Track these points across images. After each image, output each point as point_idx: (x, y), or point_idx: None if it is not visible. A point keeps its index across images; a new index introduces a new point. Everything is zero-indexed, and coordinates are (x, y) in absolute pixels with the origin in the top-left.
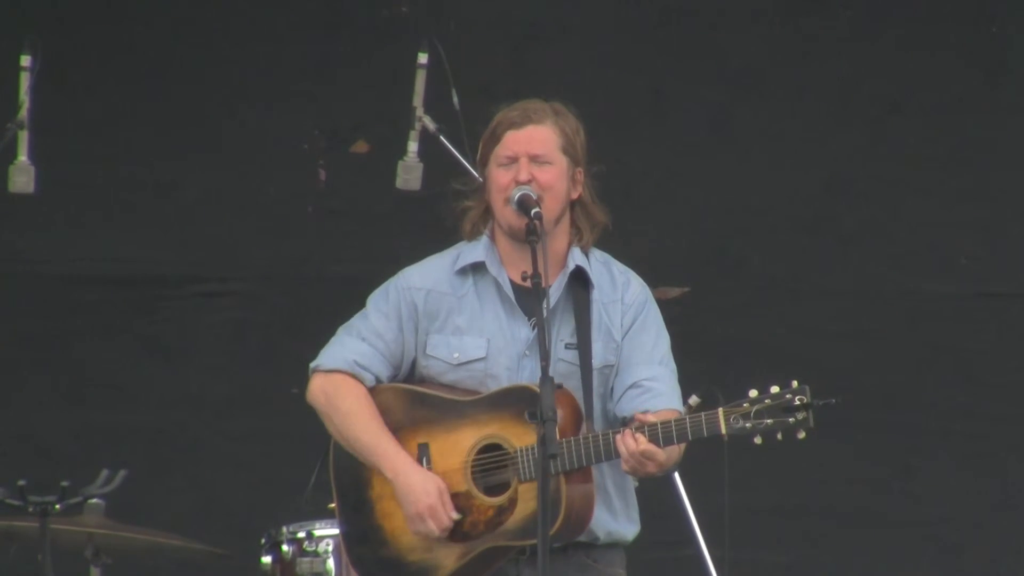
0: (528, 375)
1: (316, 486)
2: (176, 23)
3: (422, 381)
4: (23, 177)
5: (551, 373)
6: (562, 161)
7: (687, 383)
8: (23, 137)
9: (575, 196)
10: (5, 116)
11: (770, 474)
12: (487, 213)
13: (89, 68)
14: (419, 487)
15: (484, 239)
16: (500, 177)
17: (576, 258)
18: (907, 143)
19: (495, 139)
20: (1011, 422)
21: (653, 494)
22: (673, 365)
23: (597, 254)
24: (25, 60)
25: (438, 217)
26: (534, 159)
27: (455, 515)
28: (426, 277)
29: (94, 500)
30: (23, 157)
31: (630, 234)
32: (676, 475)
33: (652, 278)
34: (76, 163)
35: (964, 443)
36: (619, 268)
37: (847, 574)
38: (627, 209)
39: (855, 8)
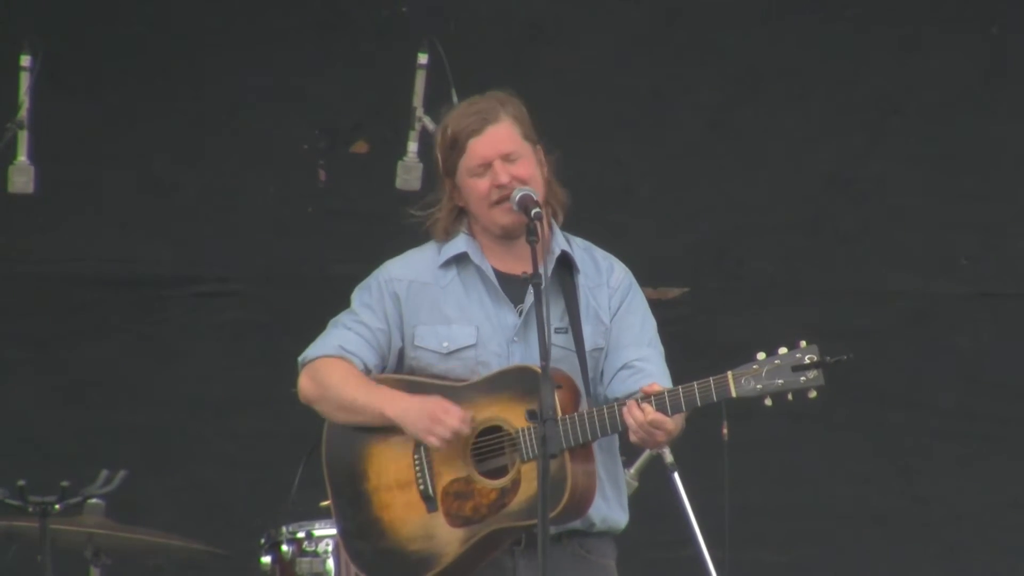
0: (518, 360)
1: (301, 486)
2: (176, 24)
3: (411, 373)
4: (23, 177)
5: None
6: (528, 149)
7: (686, 383)
8: (23, 137)
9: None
10: (5, 116)
11: (770, 474)
12: (458, 218)
13: (89, 68)
14: (419, 402)
15: (462, 234)
16: (478, 186)
17: (560, 243)
18: (907, 143)
19: (459, 150)
20: (1011, 422)
21: (653, 494)
22: (661, 347)
23: (578, 240)
24: (25, 60)
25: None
26: (505, 158)
27: (467, 414)
28: (407, 268)
29: (94, 500)
30: (23, 157)
31: (630, 234)
32: (676, 475)
33: (652, 278)
34: (76, 163)
35: (964, 443)
36: (601, 253)
37: (847, 574)
38: (627, 209)
39: (855, 8)
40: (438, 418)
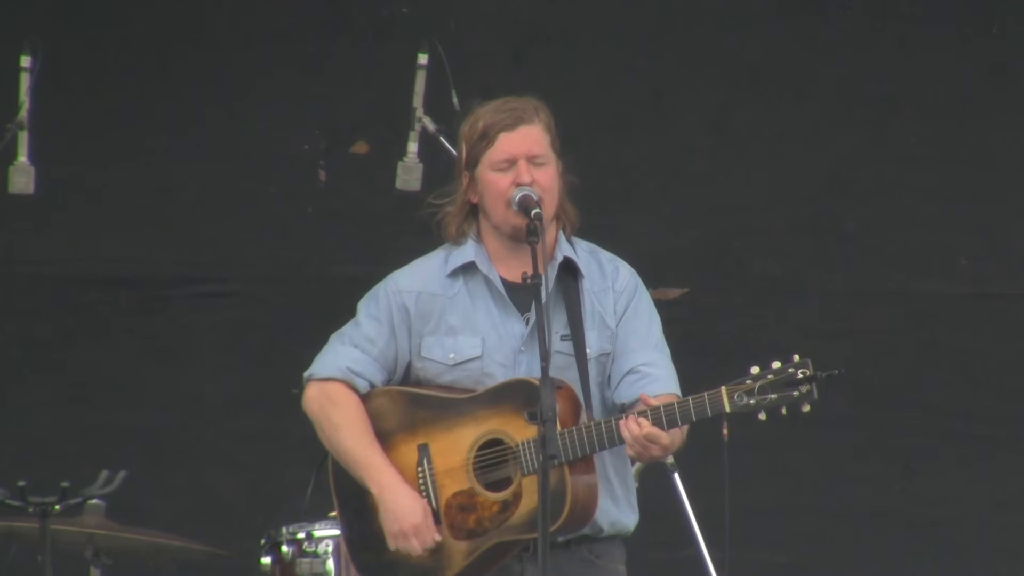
0: (524, 371)
1: (315, 490)
2: (176, 23)
3: (418, 383)
4: (23, 178)
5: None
6: (552, 159)
7: (686, 384)
8: (23, 138)
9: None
10: (5, 117)
11: (770, 474)
12: (470, 214)
13: (89, 68)
14: (406, 506)
15: (470, 240)
16: (499, 181)
17: (564, 249)
18: (907, 143)
19: (488, 142)
20: (1011, 422)
21: (653, 494)
22: (667, 349)
23: (583, 244)
24: (25, 60)
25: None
26: (531, 160)
27: (438, 537)
28: (415, 279)
29: (94, 501)
30: (23, 158)
31: (630, 234)
32: (676, 475)
33: (652, 278)
34: (76, 163)
35: (964, 443)
36: (606, 256)
37: (847, 574)
38: (627, 209)
39: (855, 8)
40: (406, 535)
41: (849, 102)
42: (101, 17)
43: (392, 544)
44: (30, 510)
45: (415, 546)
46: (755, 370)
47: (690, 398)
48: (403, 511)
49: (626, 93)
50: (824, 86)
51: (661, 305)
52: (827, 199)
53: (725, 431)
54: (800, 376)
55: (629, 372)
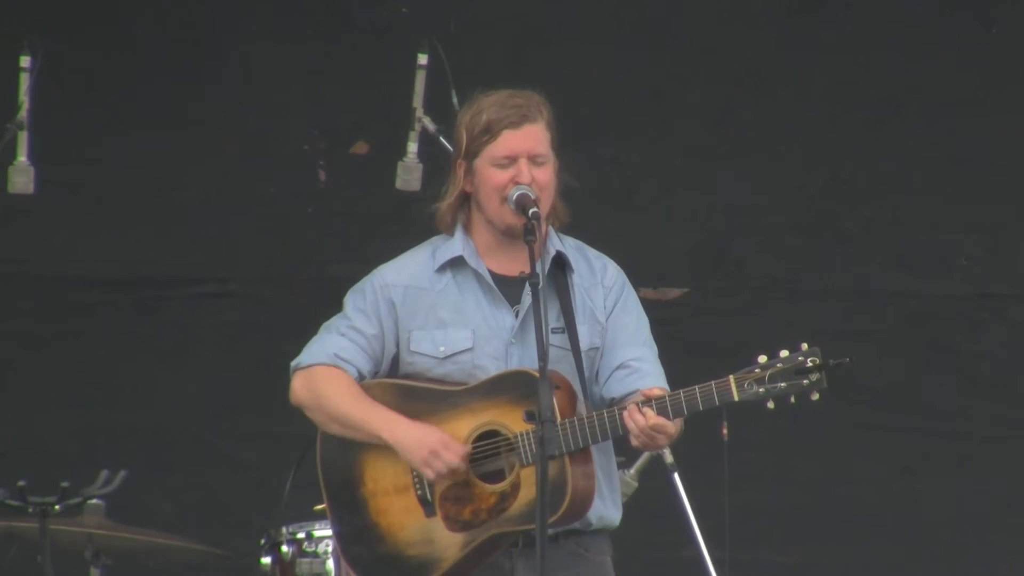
0: (516, 363)
1: (297, 488)
2: (176, 23)
3: (407, 377)
4: (23, 178)
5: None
6: (551, 158)
7: (686, 384)
8: (23, 138)
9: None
10: (5, 117)
11: (770, 474)
12: (464, 205)
13: (89, 68)
14: (423, 431)
15: (459, 233)
16: (497, 177)
17: (555, 243)
18: (907, 143)
19: (490, 137)
20: (1011, 422)
21: (653, 494)
22: (654, 345)
23: (569, 240)
24: (25, 60)
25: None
26: (533, 159)
27: (468, 447)
28: (402, 273)
29: (94, 501)
30: (22, 158)
31: (630, 234)
32: (676, 475)
33: (652, 278)
34: (76, 164)
35: (964, 443)
36: (593, 253)
37: (847, 574)
38: (627, 209)
39: (855, 8)
40: (437, 452)
41: (849, 102)
42: (101, 17)
43: (428, 472)
44: (30, 510)
45: (450, 459)
46: (763, 359)
47: (697, 387)
48: (423, 435)
49: (626, 93)
50: (824, 86)
51: (661, 305)
52: (827, 199)
53: (725, 431)
54: (810, 364)
55: (619, 367)
